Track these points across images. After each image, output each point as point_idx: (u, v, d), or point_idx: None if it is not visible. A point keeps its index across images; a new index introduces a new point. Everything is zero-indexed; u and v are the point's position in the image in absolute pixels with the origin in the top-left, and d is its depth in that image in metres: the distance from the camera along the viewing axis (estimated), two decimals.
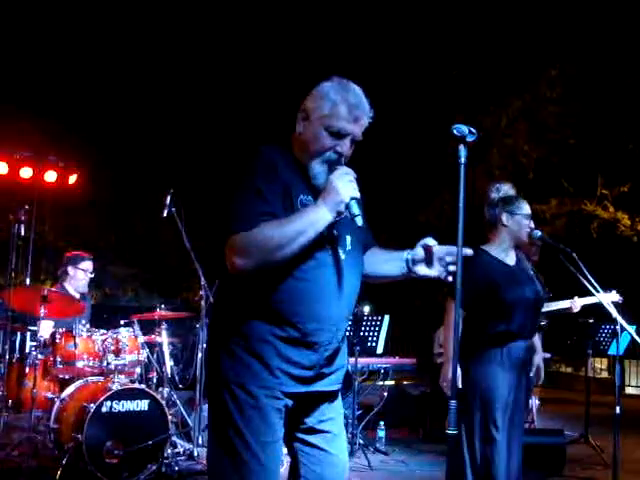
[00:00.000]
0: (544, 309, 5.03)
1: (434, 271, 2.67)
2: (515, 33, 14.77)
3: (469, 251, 2.54)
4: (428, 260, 2.68)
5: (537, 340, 4.61)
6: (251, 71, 15.64)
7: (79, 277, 6.68)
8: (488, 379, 4.07)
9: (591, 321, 7.84)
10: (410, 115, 15.60)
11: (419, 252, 2.71)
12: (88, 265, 6.72)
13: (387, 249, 2.90)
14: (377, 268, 2.86)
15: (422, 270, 2.70)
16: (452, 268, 2.62)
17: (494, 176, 14.91)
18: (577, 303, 6.04)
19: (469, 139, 2.55)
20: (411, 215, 17.25)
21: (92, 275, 6.78)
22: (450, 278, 2.64)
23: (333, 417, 2.76)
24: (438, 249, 2.66)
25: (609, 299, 5.15)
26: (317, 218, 2.49)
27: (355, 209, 2.51)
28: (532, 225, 4.25)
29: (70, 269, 6.68)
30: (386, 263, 2.84)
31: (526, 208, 4.23)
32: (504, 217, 4.19)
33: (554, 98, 16.06)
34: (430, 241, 2.67)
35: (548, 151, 16.16)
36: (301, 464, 2.72)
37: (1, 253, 7.54)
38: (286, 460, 2.98)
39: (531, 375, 4.53)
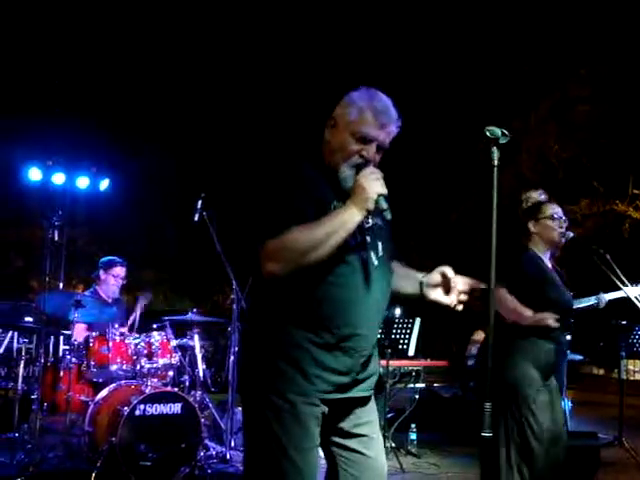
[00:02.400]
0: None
1: (447, 298, 2.73)
2: (545, 33, 14.69)
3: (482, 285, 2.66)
4: (445, 286, 2.73)
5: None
6: (282, 78, 15.73)
7: (110, 282, 6.73)
8: (517, 371, 4.12)
9: (624, 323, 7.75)
10: (441, 117, 15.60)
11: (435, 277, 2.76)
12: (120, 271, 6.76)
13: (406, 266, 2.93)
14: (394, 282, 2.87)
15: (434, 294, 2.76)
16: (463, 298, 2.70)
17: (524, 177, 14.85)
18: (603, 298, 5.99)
19: (502, 141, 2.56)
20: (443, 215, 17.26)
21: (124, 281, 6.83)
22: (460, 307, 2.70)
23: (369, 420, 2.76)
24: (455, 278, 2.71)
25: (638, 292, 5.12)
26: (346, 218, 2.52)
27: (383, 204, 2.56)
28: (563, 225, 4.27)
29: (102, 274, 6.73)
30: (402, 279, 2.87)
31: (550, 210, 4.28)
32: (531, 225, 4.32)
33: (584, 97, 15.92)
34: (448, 270, 2.73)
35: (578, 151, 16.03)
36: (339, 468, 2.72)
37: (35, 258, 7.63)
38: (321, 465, 2.97)
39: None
